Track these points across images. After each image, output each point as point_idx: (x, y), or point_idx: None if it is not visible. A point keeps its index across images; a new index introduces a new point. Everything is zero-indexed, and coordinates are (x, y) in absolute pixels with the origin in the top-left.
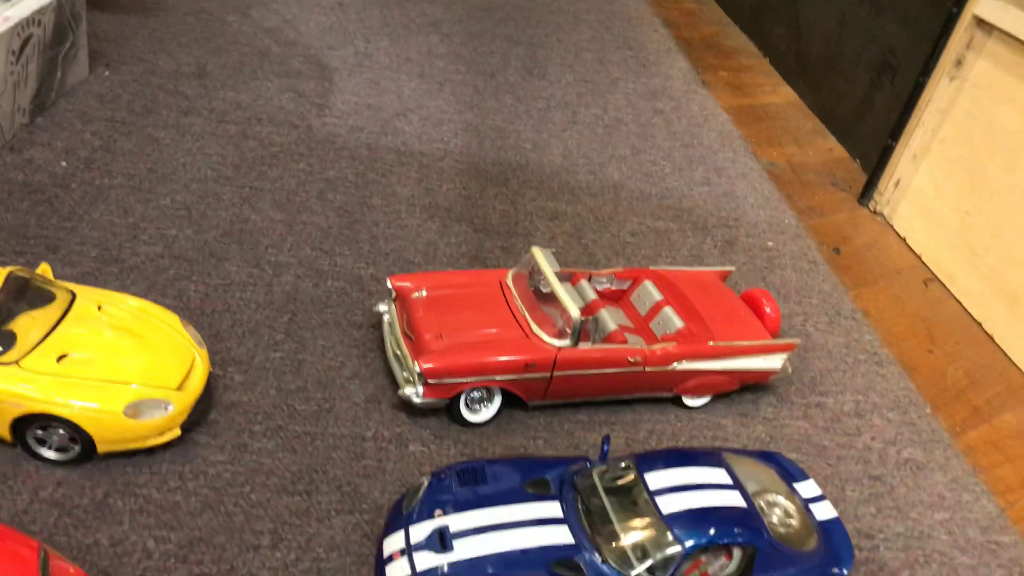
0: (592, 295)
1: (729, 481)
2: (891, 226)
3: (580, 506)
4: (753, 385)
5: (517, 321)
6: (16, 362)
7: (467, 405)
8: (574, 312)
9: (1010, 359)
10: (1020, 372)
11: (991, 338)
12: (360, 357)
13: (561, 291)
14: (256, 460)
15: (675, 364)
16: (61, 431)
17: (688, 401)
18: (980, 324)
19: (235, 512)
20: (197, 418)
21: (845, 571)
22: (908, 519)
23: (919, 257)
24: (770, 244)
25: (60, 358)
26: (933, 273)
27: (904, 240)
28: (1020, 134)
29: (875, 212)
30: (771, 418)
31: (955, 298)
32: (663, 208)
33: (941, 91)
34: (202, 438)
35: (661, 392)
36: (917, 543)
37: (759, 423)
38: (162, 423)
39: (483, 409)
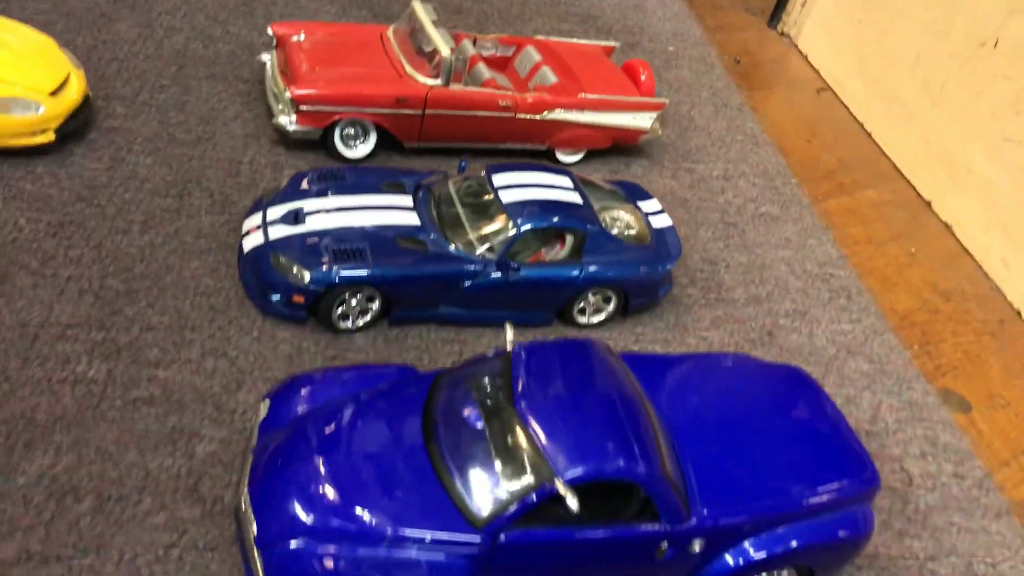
0: (472, 52)
1: (570, 185)
2: (796, 46)
3: (433, 208)
4: (626, 149)
5: (392, 63)
6: None
7: (343, 140)
8: (445, 51)
9: (883, 151)
10: (890, 161)
11: (869, 135)
12: (244, 104)
13: (434, 33)
14: (132, 170)
15: (546, 113)
16: None
17: (561, 156)
18: (862, 124)
19: (107, 206)
20: (75, 133)
21: (668, 266)
22: (753, 254)
23: (817, 72)
24: (671, 48)
25: None
26: (827, 84)
27: (806, 57)
28: None
29: (782, 33)
30: (639, 176)
31: (843, 104)
32: (570, 13)
33: None
34: (79, 150)
35: (535, 144)
36: (757, 270)
37: (627, 179)
38: (33, 122)
39: (359, 146)
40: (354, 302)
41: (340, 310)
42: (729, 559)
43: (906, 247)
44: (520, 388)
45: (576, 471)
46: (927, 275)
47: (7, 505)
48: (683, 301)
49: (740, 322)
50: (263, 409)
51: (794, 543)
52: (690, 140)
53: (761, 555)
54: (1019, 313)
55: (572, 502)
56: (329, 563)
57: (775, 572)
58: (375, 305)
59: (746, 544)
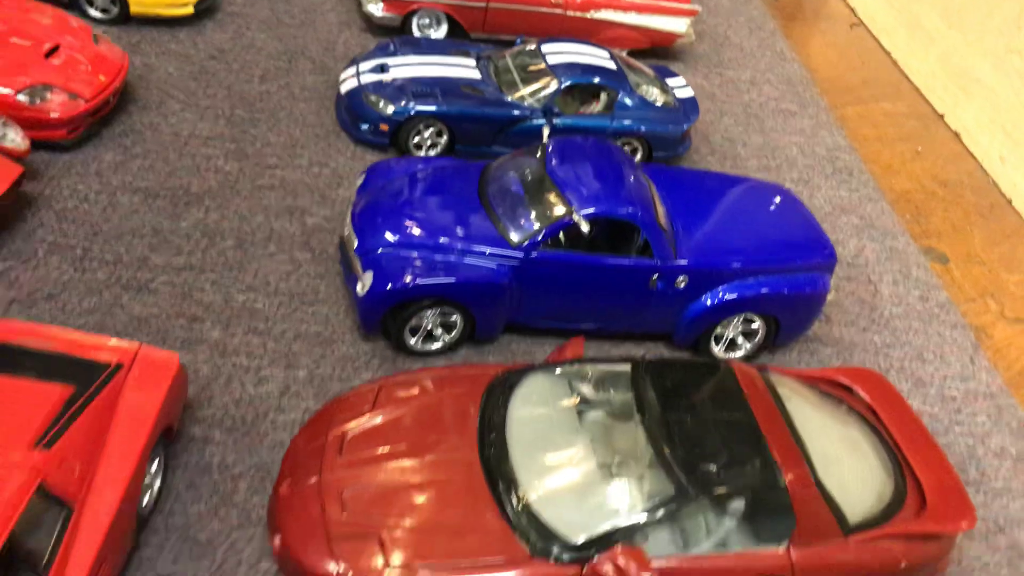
0: None
1: (608, 56)
2: None
3: (492, 69)
4: (663, 53)
5: None
6: None
7: (419, 28)
8: None
9: (905, 74)
10: (911, 84)
11: (895, 62)
12: (339, 0)
13: None
14: (251, 41)
15: (592, 12)
16: None
17: None
18: (888, 53)
19: (233, 63)
20: (207, 11)
21: (687, 125)
22: (768, 137)
23: (853, 10)
24: None
25: None
26: (861, 20)
27: (845, 0)
28: None
29: None
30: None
31: (874, 36)
32: None
33: None
34: (211, 25)
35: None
36: (770, 149)
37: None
38: None
39: (432, 33)
40: (426, 133)
41: (415, 140)
42: (707, 300)
43: (913, 146)
44: (551, 158)
45: (589, 208)
46: (929, 167)
47: (176, 238)
48: (701, 164)
49: None
50: (360, 179)
51: (763, 290)
52: (722, 52)
53: (733, 296)
54: (1010, 201)
55: (584, 226)
56: (412, 261)
57: (748, 321)
58: (443, 139)
59: (722, 288)
